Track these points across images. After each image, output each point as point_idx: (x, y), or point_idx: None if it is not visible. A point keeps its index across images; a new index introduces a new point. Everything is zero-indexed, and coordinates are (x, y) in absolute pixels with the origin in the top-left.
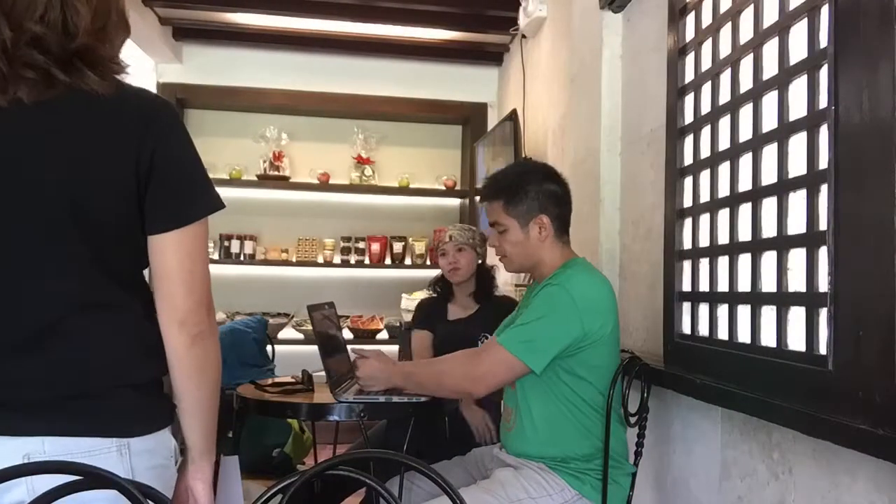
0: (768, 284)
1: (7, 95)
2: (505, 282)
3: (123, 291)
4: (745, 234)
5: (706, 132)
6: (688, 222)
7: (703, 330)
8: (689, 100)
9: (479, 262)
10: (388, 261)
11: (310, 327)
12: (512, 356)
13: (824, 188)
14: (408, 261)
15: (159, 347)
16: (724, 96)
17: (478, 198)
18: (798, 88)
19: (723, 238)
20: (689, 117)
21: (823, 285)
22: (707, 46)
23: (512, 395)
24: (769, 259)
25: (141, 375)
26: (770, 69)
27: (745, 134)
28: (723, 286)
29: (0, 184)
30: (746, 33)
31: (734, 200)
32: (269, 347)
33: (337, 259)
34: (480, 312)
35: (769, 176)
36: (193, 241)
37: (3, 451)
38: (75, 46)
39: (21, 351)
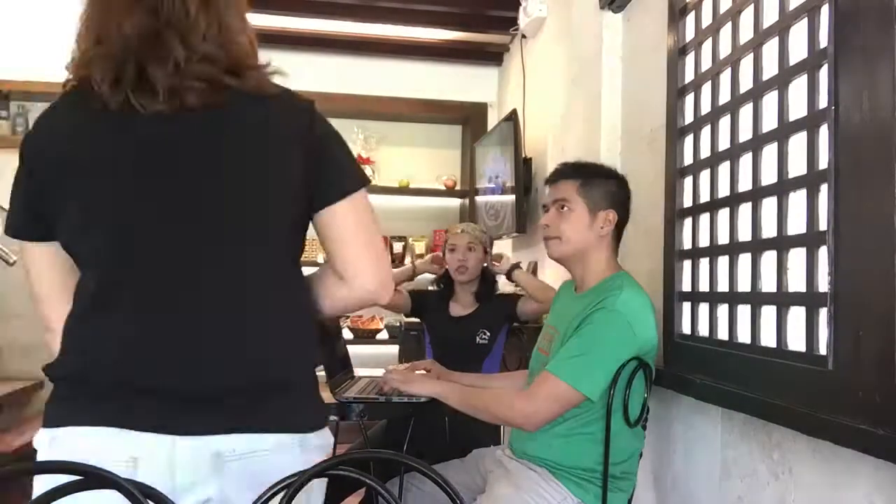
0: (768, 284)
1: (170, 104)
2: (505, 282)
3: (299, 282)
4: (745, 234)
5: (706, 132)
6: (688, 222)
7: (703, 330)
8: (689, 100)
9: (485, 264)
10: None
11: None
12: (569, 387)
13: (824, 188)
14: (408, 261)
15: (316, 337)
16: (724, 96)
17: (478, 197)
18: (798, 88)
19: (723, 238)
20: (689, 117)
21: (823, 285)
22: (707, 46)
23: None
24: (769, 259)
25: (311, 372)
26: (770, 69)
27: (745, 134)
28: (723, 286)
29: (183, 184)
30: (746, 33)
31: (734, 200)
32: None
33: None
34: (480, 311)
35: (769, 176)
36: (364, 207)
37: (195, 451)
38: (236, 55)
39: (219, 348)
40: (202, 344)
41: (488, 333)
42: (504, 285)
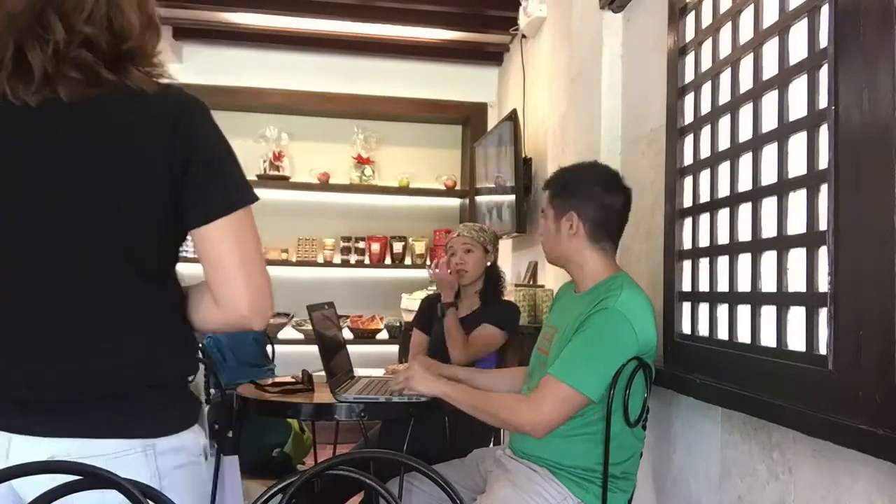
0: (768, 284)
1: (40, 95)
2: (508, 281)
3: (153, 290)
4: (745, 234)
5: (706, 132)
6: (688, 222)
7: (703, 330)
8: (689, 100)
9: (489, 263)
10: (388, 261)
11: (310, 327)
12: (573, 390)
13: (824, 188)
14: (408, 261)
15: (186, 346)
16: (724, 96)
17: (478, 197)
18: (798, 88)
19: (723, 238)
20: (689, 117)
21: (823, 285)
22: (707, 46)
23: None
24: (769, 259)
25: (167, 376)
26: (770, 69)
27: (745, 134)
28: (723, 286)
29: (33, 184)
30: (746, 33)
31: (734, 200)
32: (269, 347)
33: (337, 259)
34: (481, 311)
35: (769, 176)
36: (240, 230)
37: (30, 454)
38: (125, 48)
39: (51, 352)
40: (45, 353)
41: (490, 326)
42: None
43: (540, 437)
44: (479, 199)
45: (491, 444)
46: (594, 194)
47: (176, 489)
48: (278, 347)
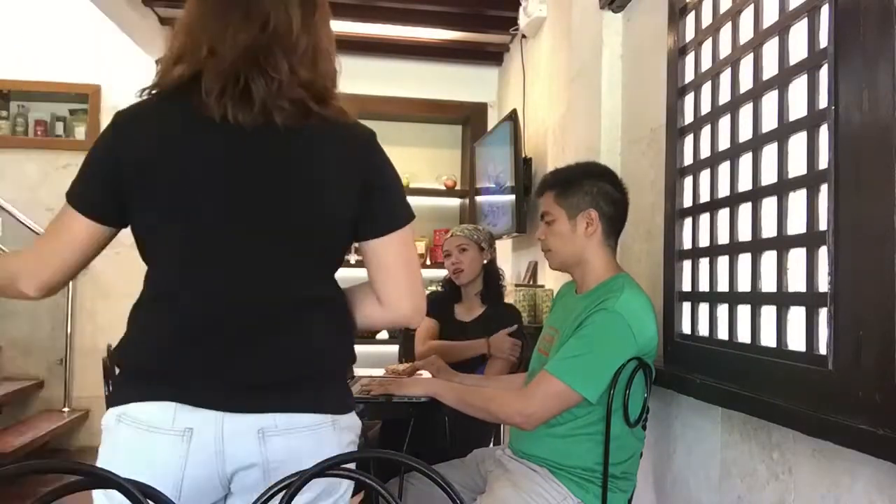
0: (768, 284)
1: (258, 121)
2: (508, 281)
3: (335, 291)
4: (745, 234)
5: (706, 132)
6: (688, 222)
7: (703, 330)
8: (689, 100)
9: (486, 261)
10: None
11: None
12: (567, 387)
13: (824, 188)
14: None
15: (353, 338)
16: (724, 96)
17: (478, 197)
18: (798, 88)
19: (723, 238)
20: (689, 117)
21: (823, 285)
22: (707, 46)
23: None
24: (769, 259)
25: (345, 362)
26: (770, 69)
27: (745, 134)
28: (723, 286)
29: (252, 197)
30: (746, 33)
31: (734, 200)
32: None
33: None
34: (485, 318)
35: (769, 176)
36: (405, 241)
37: (241, 426)
38: (328, 90)
39: (260, 340)
40: (250, 344)
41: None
42: (508, 294)
43: (530, 429)
44: (479, 199)
45: (491, 444)
46: (606, 190)
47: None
48: None
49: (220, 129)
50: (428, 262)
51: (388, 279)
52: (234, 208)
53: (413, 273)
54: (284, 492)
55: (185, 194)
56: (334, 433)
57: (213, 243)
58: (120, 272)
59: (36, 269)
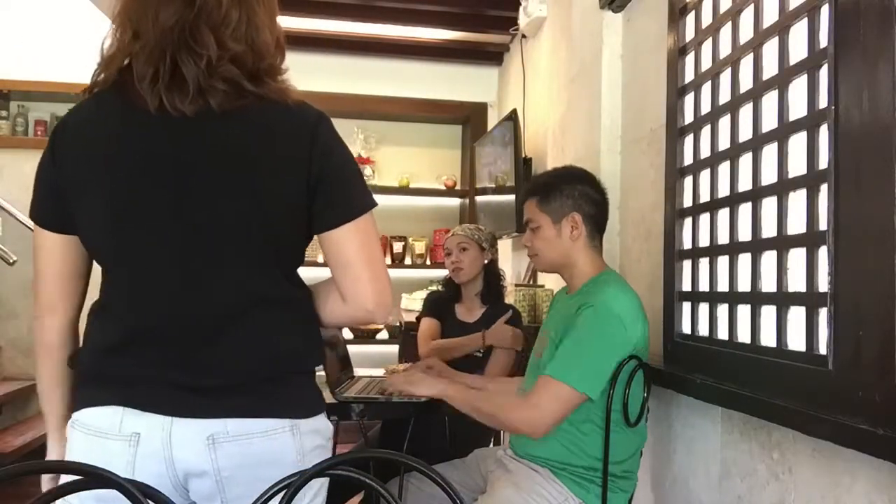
0: (768, 284)
1: (196, 106)
2: (508, 281)
3: (295, 287)
4: (745, 234)
5: (706, 132)
6: (688, 222)
7: (703, 330)
8: (689, 99)
9: (487, 261)
10: (388, 261)
11: None
12: (570, 388)
13: (824, 188)
14: (408, 261)
15: (318, 338)
16: (724, 96)
17: (478, 197)
18: (798, 88)
19: (723, 238)
20: (689, 117)
21: (823, 285)
22: (707, 46)
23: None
24: (769, 259)
25: (307, 363)
26: (770, 69)
27: (745, 134)
28: (723, 286)
29: (192, 188)
30: (746, 33)
31: (734, 200)
32: None
33: None
34: (485, 318)
35: (769, 176)
36: (365, 232)
37: (191, 432)
38: (263, 65)
39: (209, 340)
40: (197, 346)
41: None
42: (508, 294)
43: (538, 437)
44: (479, 199)
45: (491, 445)
46: (586, 192)
47: (315, 486)
48: None
49: (158, 122)
50: (428, 262)
51: (347, 273)
52: (174, 208)
53: (375, 266)
54: (285, 492)
55: (121, 204)
56: (294, 439)
57: (156, 246)
58: None
59: (48, 305)
